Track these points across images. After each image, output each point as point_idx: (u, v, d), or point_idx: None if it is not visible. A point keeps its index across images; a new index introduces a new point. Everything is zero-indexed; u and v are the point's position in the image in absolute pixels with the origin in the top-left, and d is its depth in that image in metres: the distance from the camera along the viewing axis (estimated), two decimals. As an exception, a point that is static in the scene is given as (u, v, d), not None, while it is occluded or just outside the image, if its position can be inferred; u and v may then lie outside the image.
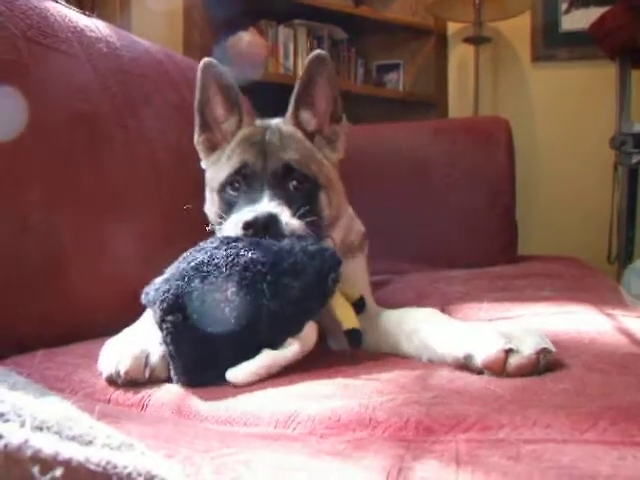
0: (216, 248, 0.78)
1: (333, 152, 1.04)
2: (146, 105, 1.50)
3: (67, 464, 0.31)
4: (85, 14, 1.49)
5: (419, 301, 1.27)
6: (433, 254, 1.95)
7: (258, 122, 1.04)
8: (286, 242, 0.81)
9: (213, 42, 2.90)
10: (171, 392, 0.71)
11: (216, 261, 0.75)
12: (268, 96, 2.62)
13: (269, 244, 0.80)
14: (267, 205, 0.86)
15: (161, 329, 0.72)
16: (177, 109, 1.63)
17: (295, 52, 3.22)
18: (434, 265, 1.87)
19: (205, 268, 0.74)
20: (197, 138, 1.07)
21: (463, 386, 0.63)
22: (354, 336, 0.80)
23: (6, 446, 0.29)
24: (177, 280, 0.73)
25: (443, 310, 1.14)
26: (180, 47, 2.69)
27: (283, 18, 3.18)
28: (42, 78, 1.23)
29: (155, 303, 0.73)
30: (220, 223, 0.95)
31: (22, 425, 0.33)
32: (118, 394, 0.74)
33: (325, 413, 0.58)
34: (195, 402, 0.68)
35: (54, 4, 1.37)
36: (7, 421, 0.32)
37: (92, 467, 0.32)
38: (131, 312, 0.90)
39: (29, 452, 0.30)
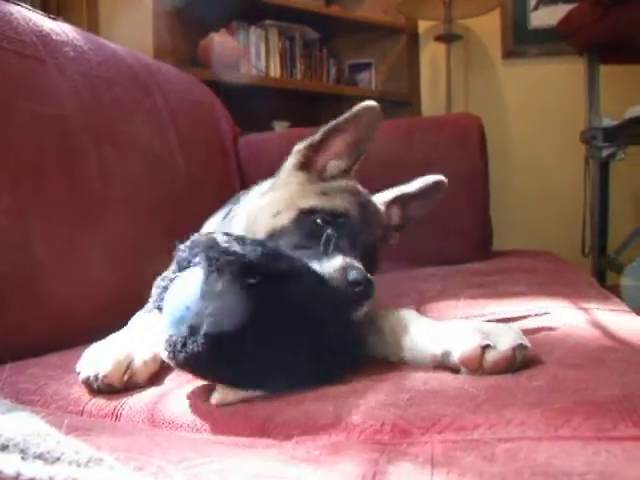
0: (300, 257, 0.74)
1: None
2: (116, 109, 1.48)
3: (30, 484, 0.30)
4: (50, 17, 1.47)
5: (396, 300, 1.27)
6: (409, 252, 1.94)
7: (356, 182, 1.02)
8: None
9: (184, 45, 2.88)
10: (145, 400, 0.70)
11: (301, 277, 0.69)
12: (241, 98, 2.61)
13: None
14: (364, 271, 0.81)
15: (209, 300, 0.62)
16: (148, 113, 1.61)
17: (267, 53, 3.21)
18: (410, 263, 1.87)
19: (291, 282, 0.68)
20: (301, 147, 1.00)
21: (438, 386, 0.63)
22: None
23: (-35, 468, 0.28)
24: (265, 263, 0.66)
25: (419, 309, 1.14)
26: (151, 50, 2.66)
27: (254, 19, 3.16)
28: (7, 83, 1.21)
29: (225, 272, 0.64)
30: (272, 236, 0.90)
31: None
32: (92, 405, 0.72)
33: (300, 418, 0.58)
34: (169, 410, 0.67)
35: (17, 7, 1.34)
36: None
37: (56, 486, 0.31)
38: (105, 321, 0.89)
39: (-11, 474, 0.29)
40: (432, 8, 3.24)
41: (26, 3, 1.43)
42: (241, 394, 0.65)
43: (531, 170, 3.39)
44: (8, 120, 1.16)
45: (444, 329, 0.73)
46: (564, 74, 3.29)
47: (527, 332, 0.78)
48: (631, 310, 1.06)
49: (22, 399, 0.73)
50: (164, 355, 0.66)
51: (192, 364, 0.63)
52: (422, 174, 2.00)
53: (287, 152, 2.23)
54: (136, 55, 1.77)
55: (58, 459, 0.37)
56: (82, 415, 0.71)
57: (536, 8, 3.49)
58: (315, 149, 0.98)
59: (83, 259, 1.21)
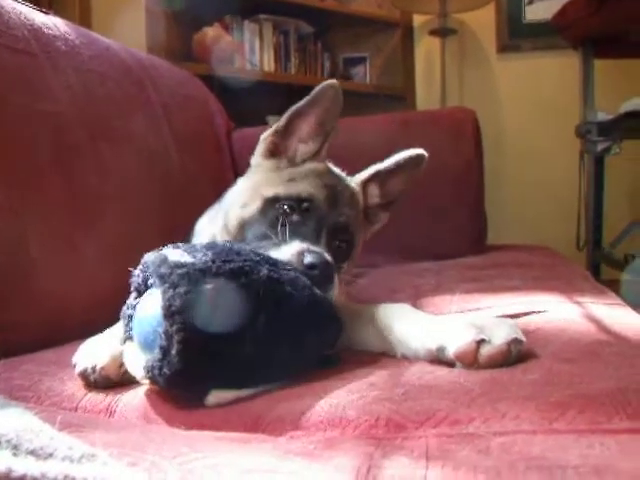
0: (256, 256, 0.72)
1: (368, 232, 1.06)
2: (109, 104, 1.47)
3: (21, 481, 0.30)
4: (42, 11, 1.46)
5: (391, 295, 1.27)
6: (404, 247, 1.95)
7: (328, 164, 1.02)
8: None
9: (178, 39, 2.87)
10: (139, 396, 0.70)
11: (257, 275, 0.68)
12: (235, 92, 2.60)
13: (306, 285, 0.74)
14: (328, 255, 0.82)
15: (172, 320, 0.61)
16: (142, 108, 1.60)
17: (261, 47, 3.20)
18: (405, 257, 1.87)
19: (246, 278, 0.67)
20: (267, 134, 1.01)
21: (433, 381, 0.63)
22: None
23: (-44, 465, 0.28)
24: (213, 276, 0.65)
25: (415, 303, 1.14)
26: (144, 45, 2.64)
27: (248, 13, 3.15)
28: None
29: (178, 287, 0.63)
30: (242, 227, 0.91)
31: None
32: (86, 401, 0.72)
33: (295, 413, 0.58)
34: (163, 406, 0.66)
35: (8, 1, 1.33)
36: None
37: (48, 482, 0.31)
38: (99, 318, 0.89)
39: (-19, 471, 0.29)
40: (427, 2, 3.24)
41: (18, -3, 1.42)
42: (233, 394, 0.65)
43: (526, 164, 3.39)
44: (1, 115, 1.16)
45: (438, 323, 0.73)
46: (559, 68, 3.29)
47: (522, 326, 0.78)
48: (626, 304, 1.06)
49: (16, 395, 0.73)
50: (147, 382, 0.67)
51: (175, 382, 0.63)
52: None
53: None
54: (129, 50, 1.76)
55: (51, 455, 0.37)
56: (76, 411, 0.70)
57: (531, 2, 3.49)
58: (281, 135, 1.00)
59: (78, 255, 1.20)
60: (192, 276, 0.64)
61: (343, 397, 0.59)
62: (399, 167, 1.05)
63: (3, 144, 1.14)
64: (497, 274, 1.42)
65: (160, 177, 1.58)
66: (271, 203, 0.91)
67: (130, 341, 0.71)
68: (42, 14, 1.44)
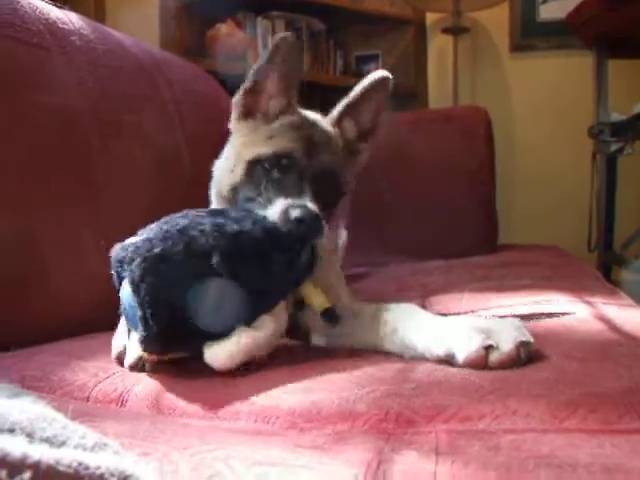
0: (201, 217, 0.77)
1: (353, 165, 1.05)
2: (122, 99, 1.48)
3: (36, 467, 0.30)
4: (57, 6, 1.47)
5: (400, 293, 1.27)
6: (413, 245, 1.95)
7: (302, 112, 1.01)
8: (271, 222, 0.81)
9: (191, 35, 2.87)
10: (150, 386, 0.70)
11: (201, 227, 0.73)
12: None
13: (257, 219, 0.80)
14: (312, 206, 0.84)
15: (138, 290, 0.67)
16: (154, 104, 1.61)
17: (273, 44, 3.20)
18: (414, 256, 1.87)
19: (190, 232, 0.72)
20: (238, 97, 1.02)
21: (443, 377, 0.63)
22: (329, 315, 0.81)
23: (-27, 450, 0.28)
24: (160, 241, 0.70)
25: (424, 302, 1.14)
26: (157, 41, 2.65)
27: (261, 10, 3.15)
28: (13, 72, 1.21)
29: (134, 260, 0.69)
30: (234, 192, 0.95)
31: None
32: (97, 391, 0.73)
33: (305, 406, 0.58)
34: (174, 397, 0.67)
35: (25, -4, 1.34)
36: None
37: (62, 469, 0.31)
38: (109, 311, 0.89)
39: (-3, 456, 0.29)
40: (440, 0, 3.23)
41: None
42: (225, 345, 0.69)
43: (538, 164, 3.37)
44: (15, 109, 1.16)
45: (445, 328, 0.72)
46: (572, 68, 3.27)
47: (531, 325, 0.78)
48: (637, 305, 1.06)
49: (28, 385, 0.74)
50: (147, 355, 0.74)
51: (163, 345, 0.70)
52: (429, 166, 2.01)
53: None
54: (142, 45, 1.76)
55: (64, 443, 0.37)
56: (88, 401, 0.71)
57: (545, 1, 3.46)
58: (250, 94, 1.01)
59: (86, 250, 1.21)
60: (141, 246, 0.70)
61: (353, 391, 0.59)
62: (367, 94, 1.02)
63: (16, 138, 1.15)
64: (507, 273, 1.42)
65: (170, 174, 1.58)
66: (253, 165, 0.94)
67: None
68: (57, 9, 1.45)
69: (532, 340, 0.67)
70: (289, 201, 0.84)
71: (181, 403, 0.65)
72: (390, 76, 1.01)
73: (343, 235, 1.45)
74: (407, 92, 3.46)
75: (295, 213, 0.81)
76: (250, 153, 0.95)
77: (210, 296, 0.69)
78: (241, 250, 0.73)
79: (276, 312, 0.77)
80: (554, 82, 3.37)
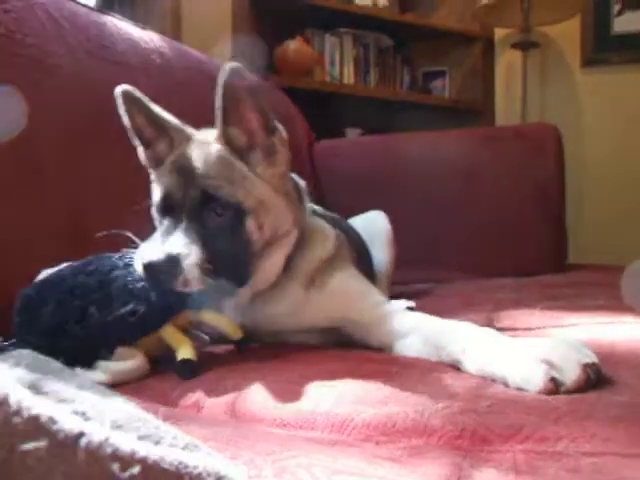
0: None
1: (270, 166, 0.96)
2: (198, 115, 1.53)
3: (144, 462, 0.32)
4: (140, 26, 1.54)
5: (467, 307, 1.27)
6: (480, 262, 1.93)
7: (197, 137, 0.98)
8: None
9: (260, 52, 2.94)
10: (226, 393, 0.73)
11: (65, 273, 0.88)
12: (315, 104, 2.65)
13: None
14: (173, 244, 0.82)
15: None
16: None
17: (341, 60, 3.23)
18: (481, 273, 1.85)
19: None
20: (141, 155, 1.03)
21: (518, 395, 0.63)
22: (185, 367, 0.83)
23: (88, 444, 0.30)
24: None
25: (492, 316, 1.14)
26: (228, 57, 2.73)
27: (329, 26, 3.20)
28: (100, 87, 1.27)
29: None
30: None
31: (102, 424, 0.34)
32: (175, 396, 0.75)
33: (380, 419, 0.59)
34: (249, 403, 0.69)
35: (111, 18, 1.42)
36: (88, 419, 0.33)
37: (166, 466, 0.33)
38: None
39: (109, 450, 0.31)
40: (509, 15, 3.18)
41: (117, 13, 1.51)
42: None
43: (610, 184, 3.26)
44: (100, 122, 1.23)
45: (506, 354, 0.71)
46: (647, 83, 3.17)
47: (607, 346, 0.76)
48: None
49: (114, 388, 0.77)
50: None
51: None
52: (497, 182, 1.99)
53: (359, 158, 2.25)
54: (216, 62, 1.82)
55: (158, 443, 0.39)
56: (167, 406, 0.74)
57: (620, 13, 3.37)
58: (144, 149, 1.02)
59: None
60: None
61: (428, 405, 0.60)
62: (230, 95, 0.92)
63: (105, 156, 1.22)
64: (579, 293, 1.39)
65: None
66: (157, 214, 0.95)
67: None
68: (139, 29, 1.52)
69: (596, 360, 0.66)
70: (143, 251, 0.84)
71: (257, 410, 0.67)
72: (237, 65, 0.91)
73: (388, 254, 1.49)
74: (474, 108, 3.43)
75: (144, 259, 0.81)
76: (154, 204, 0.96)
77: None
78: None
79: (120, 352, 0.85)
80: (629, 98, 3.26)
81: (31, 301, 0.86)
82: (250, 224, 0.90)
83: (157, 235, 0.87)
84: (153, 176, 1.01)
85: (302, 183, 1.09)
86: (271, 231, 0.94)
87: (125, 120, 1.01)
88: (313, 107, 2.45)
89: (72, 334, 0.83)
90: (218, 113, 0.94)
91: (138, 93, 0.99)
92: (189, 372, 0.82)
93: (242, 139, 0.96)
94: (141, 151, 1.03)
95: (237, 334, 0.91)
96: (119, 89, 0.99)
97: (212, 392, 0.74)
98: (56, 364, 0.65)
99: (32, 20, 1.15)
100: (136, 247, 0.87)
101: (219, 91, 0.91)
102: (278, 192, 0.96)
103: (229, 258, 0.87)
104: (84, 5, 1.36)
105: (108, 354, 0.84)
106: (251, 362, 0.86)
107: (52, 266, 0.92)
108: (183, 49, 1.70)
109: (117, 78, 1.33)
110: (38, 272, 0.91)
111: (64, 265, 0.91)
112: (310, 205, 1.10)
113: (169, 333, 0.87)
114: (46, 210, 1.13)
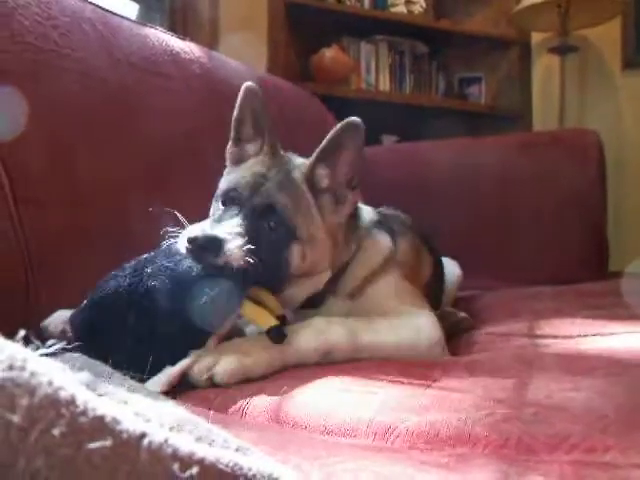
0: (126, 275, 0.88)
1: (334, 214, 1.01)
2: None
3: (202, 463, 0.33)
4: (180, 37, 1.58)
5: (510, 318, 1.26)
6: (520, 270, 1.91)
7: (285, 156, 1.05)
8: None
9: (296, 60, 2.97)
10: (269, 399, 0.73)
11: (121, 290, 0.85)
12: (351, 112, 2.66)
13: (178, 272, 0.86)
14: (222, 228, 0.86)
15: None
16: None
17: (377, 67, 3.25)
18: (521, 281, 1.83)
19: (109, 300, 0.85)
20: (228, 148, 1.10)
21: (564, 402, 0.62)
22: (275, 333, 0.85)
23: (150, 444, 0.31)
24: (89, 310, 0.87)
25: (533, 325, 1.13)
26: (264, 65, 2.76)
27: (365, 34, 3.22)
28: (143, 98, 1.31)
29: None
30: None
31: (161, 425, 0.35)
32: (218, 403, 0.76)
33: (423, 427, 0.59)
34: (292, 409, 0.70)
35: (153, 30, 1.45)
36: (148, 420, 0.35)
37: (222, 467, 0.34)
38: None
39: (169, 450, 0.32)
40: (546, 19, 3.15)
41: (158, 25, 1.54)
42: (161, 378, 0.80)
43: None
44: (141, 131, 1.26)
45: None
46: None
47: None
48: None
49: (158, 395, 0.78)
50: None
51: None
52: (536, 189, 1.97)
53: (395, 165, 2.25)
54: (253, 71, 1.85)
55: (210, 445, 0.40)
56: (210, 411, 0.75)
57: (662, 14, 3.30)
58: (235, 143, 1.09)
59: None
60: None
61: (471, 413, 0.60)
62: (336, 141, 0.98)
63: (141, 155, 1.25)
64: (620, 302, 1.36)
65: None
66: (215, 200, 1.01)
67: None
68: (180, 40, 1.55)
69: None
70: (192, 228, 0.87)
71: (300, 417, 0.68)
72: (360, 122, 0.96)
73: (456, 269, 1.54)
74: (510, 114, 3.40)
75: (190, 233, 0.84)
76: (217, 191, 1.03)
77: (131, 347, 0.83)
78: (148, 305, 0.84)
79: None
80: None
81: (99, 323, 0.85)
82: (295, 250, 0.95)
83: (208, 220, 0.92)
84: (227, 170, 1.08)
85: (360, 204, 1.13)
86: (310, 266, 0.98)
87: (235, 111, 1.07)
88: (349, 114, 2.46)
89: (164, 333, 0.83)
90: (319, 150, 1.00)
91: (259, 92, 1.06)
92: (281, 335, 0.86)
93: (325, 181, 1.01)
94: (230, 146, 1.10)
95: (268, 323, 0.88)
96: (246, 84, 1.06)
97: (254, 399, 0.74)
98: (106, 367, 0.67)
99: (79, 34, 1.19)
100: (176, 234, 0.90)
101: (335, 129, 0.97)
102: (329, 236, 1.01)
103: (266, 271, 0.89)
104: (127, 18, 1.39)
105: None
106: (291, 369, 0.87)
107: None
108: (222, 59, 1.73)
109: (159, 90, 1.37)
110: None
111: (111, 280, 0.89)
112: (371, 218, 1.13)
113: (249, 308, 0.88)
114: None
